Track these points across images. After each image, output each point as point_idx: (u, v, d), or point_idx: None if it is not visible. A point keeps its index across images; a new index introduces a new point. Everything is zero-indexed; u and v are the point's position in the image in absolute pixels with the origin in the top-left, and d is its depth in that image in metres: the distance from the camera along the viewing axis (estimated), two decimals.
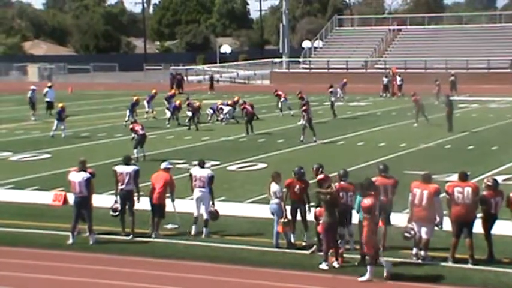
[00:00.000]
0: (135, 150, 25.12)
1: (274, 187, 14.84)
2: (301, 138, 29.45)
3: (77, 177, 15.40)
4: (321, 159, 24.92)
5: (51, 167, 24.28)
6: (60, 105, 32.76)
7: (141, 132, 25.75)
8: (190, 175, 15.98)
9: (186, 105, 35.40)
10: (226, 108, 37.13)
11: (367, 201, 13.19)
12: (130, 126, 27.17)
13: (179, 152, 27.30)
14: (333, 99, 39.13)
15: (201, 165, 16.17)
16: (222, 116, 36.97)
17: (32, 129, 35.11)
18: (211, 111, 37.39)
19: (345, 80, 51.46)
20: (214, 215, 15.90)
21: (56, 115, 32.39)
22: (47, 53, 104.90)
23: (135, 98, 35.54)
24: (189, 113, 34.49)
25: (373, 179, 14.21)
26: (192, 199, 16.05)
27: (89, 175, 15.44)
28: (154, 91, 39.50)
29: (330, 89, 39.84)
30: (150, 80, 71.75)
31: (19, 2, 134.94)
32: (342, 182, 14.37)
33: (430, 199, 13.79)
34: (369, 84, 57.42)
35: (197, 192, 15.83)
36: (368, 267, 13.02)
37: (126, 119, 34.18)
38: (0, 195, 20.09)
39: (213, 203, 15.92)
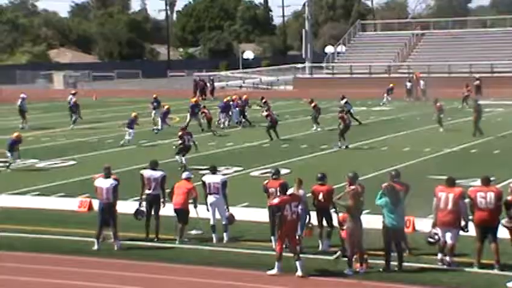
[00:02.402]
0: (177, 157, 25.01)
1: (301, 192, 14.88)
2: (339, 144, 29.32)
3: (104, 183, 15.55)
4: (345, 164, 24.98)
5: (76, 173, 24.45)
6: (133, 114, 32.22)
7: (187, 142, 25.56)
8: (203, 182, 16.03)
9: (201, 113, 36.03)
10: (234, 111, 37.45)
11: (274, 201, 14.00)
12: (180, 133, 26.50)
13: (203, 158, 27.35)
14: (350, 109, 37.69)
15: (213, 171, 16.25)
16: (235, 119, 37.36)
17: (58, 136, 35.39)
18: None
19: (391, 85, 51.40)
20: (229, 219, 15.95)
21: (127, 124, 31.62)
22: (72, 61, 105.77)
23: (166, 106, 36.06)
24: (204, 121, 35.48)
25: (384, 184, 14.29)
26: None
27: (116, 182, 15.60)
28: (166, 107, 36.91)
29: (344, 100, 38.46)
30: (174, 87, 72.08)
31: (45, 10, 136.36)
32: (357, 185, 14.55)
33: (455, 202, 13.73)
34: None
35: (211, 198, 15.88)
36: (276, 263, 13.63)
37: (159, 127, 35.17)
38: (27, 202, 20.29)
39: (227, 208, 15.97)
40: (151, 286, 13.26)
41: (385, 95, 49.95)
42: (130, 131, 31.04)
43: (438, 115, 34.35)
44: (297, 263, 13.55)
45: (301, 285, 13.13)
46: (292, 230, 13.78)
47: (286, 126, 37.21)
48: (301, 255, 13.71)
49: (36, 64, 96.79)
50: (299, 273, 13.47)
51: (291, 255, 13.64)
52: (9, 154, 25.69)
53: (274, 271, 13.63)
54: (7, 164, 25.70)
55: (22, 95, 40.01)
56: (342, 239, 14.23)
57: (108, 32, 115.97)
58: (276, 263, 13.65)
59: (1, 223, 17.72)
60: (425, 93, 52.83)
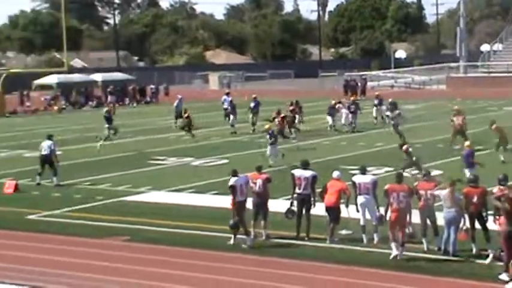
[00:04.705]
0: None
1: (456, 194, 14.70)
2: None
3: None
4: (502, 167, 24.16)
5: (229, 171, 25.05)
6: None
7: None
8: (353, 183, 16.09)
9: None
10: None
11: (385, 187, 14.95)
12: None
13: (352, 158, 27.31)
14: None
15: (363, 171, 16.29)
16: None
17: (212, 136, 36.46)
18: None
19: None
20: (380, 220, 15.89)
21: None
22: (226, 62, 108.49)
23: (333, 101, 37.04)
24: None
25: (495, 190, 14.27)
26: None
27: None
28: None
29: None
30: (325, 87, 72.29)
31: (202, 13, 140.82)
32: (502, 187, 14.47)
33: None
34: None
35: (361, 199, 15.91)
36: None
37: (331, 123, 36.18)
38: (183, 199, 21.12)
39: (378, 208, 15.90)
40: (301, 284, 13.47)
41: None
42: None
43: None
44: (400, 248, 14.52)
45: None
46: (400, 218, 14.43)
47: (438, 126, 36.51)
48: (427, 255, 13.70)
49: (193, 65, 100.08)
50: (394, 254, 14.48)
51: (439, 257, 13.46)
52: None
53: (393, 252, 14.57)
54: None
55: (179, 96, 41.66)
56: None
57: (261, 33, 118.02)
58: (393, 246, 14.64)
59: (160, 219, 18.57)
60: None
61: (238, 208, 15.93)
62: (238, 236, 15.96)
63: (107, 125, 33.54)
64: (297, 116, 35.72)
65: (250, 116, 37.33)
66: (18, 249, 16.10)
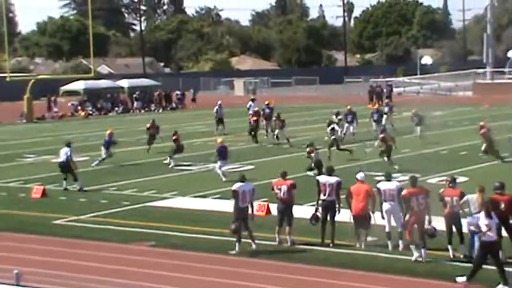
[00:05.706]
0: None
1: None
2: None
3: (284, 184, 16.35)
4: None
5: (254, 177, 25.13)
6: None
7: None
8: (378, 189, 16.03)
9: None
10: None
11: (402, 192, 15.29)
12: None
13: (376, 165, 27.26)
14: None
15: (389, 178, 16.24)
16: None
17: (238, 141, 36.51)
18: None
19: None
20: (406, 226, 15.79)
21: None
22: (252, 68, 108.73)
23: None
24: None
25: None
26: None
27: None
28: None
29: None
30: (350, 93, 72.17)
31: (228, 19, 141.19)
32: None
33: None
34: None
35: (386, 205, 15.86)
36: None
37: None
38: (208, 204, 21.18)
39: (403, 215, 15.81)
40: None
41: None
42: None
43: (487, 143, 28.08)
44: (422, 250, 14.85)
45: None
46: (420, 220, 14.79)
47: (464, 132, 36.31)
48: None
49: (218, 71, 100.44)
50: (414, 257, 14.79)
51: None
52: None
53: (414, 256, 14.82)
54: None
55: (219, 102, 42.06)
56: None
57: (286, 39, 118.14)
58: (413, 248, 14.93)
59: (185, 225, 18.66)
60: None
61: (238, 214, 15.96)
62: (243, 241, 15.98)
63: (104, 149, 28.89)
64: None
65: (264, 122, 37.45)
66: (44, 254, 16.28)
